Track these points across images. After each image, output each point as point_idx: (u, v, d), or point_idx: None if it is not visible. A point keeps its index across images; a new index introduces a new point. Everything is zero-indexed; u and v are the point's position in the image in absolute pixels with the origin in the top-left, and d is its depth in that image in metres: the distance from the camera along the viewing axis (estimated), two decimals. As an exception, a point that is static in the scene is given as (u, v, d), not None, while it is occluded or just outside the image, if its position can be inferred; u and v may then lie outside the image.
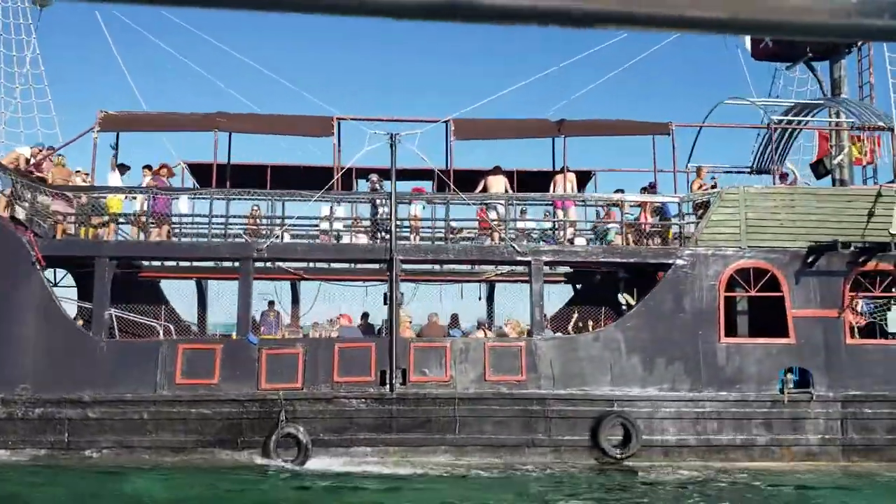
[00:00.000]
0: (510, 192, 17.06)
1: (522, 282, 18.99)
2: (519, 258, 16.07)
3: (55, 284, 18.49)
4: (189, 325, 18.85)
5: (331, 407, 14.98)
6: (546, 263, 16.25)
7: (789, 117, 18.66)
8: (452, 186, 16.25)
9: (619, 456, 15.04)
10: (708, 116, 19.25)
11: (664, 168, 17.37)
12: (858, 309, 16.63)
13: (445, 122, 16.48)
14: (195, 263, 17.87)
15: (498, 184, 16.97)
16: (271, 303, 18.41)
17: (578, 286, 19.40)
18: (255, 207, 17.24)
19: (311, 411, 14.94)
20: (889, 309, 16.39)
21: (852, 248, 15.72)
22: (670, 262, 16.07)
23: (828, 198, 16.54)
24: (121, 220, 16.31)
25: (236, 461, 14.77)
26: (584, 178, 19.35)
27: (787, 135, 20.47)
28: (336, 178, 15.86)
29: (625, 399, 15.26)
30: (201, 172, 18.31)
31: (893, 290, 16.32)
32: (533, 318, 15.91)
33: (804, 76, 22.31)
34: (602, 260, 16.64)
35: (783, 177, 17.90)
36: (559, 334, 16.42)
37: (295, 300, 19.25)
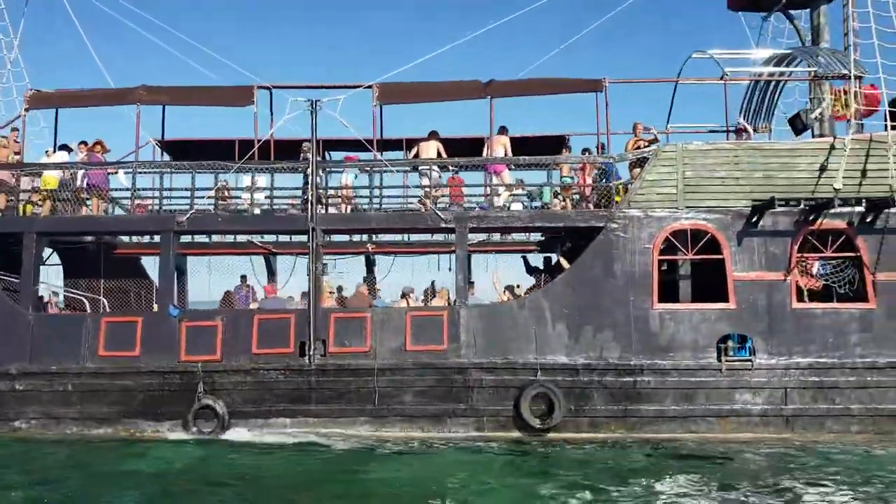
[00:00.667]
0: (444, 156, 16.53)
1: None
2: (443, 224, 15.59)
3: (43, 262, 19.04)
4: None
5: (249, 378, 14.92)
6: (471, 230, 15.71)
7: (742, 69, 17.35)
8: (376, 153, 15.86)
9: (539, 427, 14.52)
10: (681, 72, 18.03)
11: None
12: (814, 271, 15.50)
13: (369, 86, 16.03)
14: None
15: (429, 149, 16.46)
16: (244, 277, 18.44)
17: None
18: (224, 182, 17.21)
19: (230, 383, 14.91)
20: (843, 270, 15.21)
21: (791, 206, 14.70)
22: (601, 225, 15.33)
23: (774, 153, 15.44)
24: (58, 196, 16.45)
25: (157, 432, 14.93)
26: (559, 142, 18.60)
27: (770, 89, 19.22)
28: (255, 148, 15.64)
29: (549, 368, 14.69)
30: (177, 149, 18.50)
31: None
32: (457, 286, 15.45)
33: (781, 26, 20.80)
34: (530, 225, 16.00)
35: (739, 133, 16.76)
36: (485, 302, 15.89)
37: (271, 273, 19.22)
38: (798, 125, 18.80)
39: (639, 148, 15.97)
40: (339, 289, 16.78)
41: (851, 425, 14.59)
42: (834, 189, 14.60)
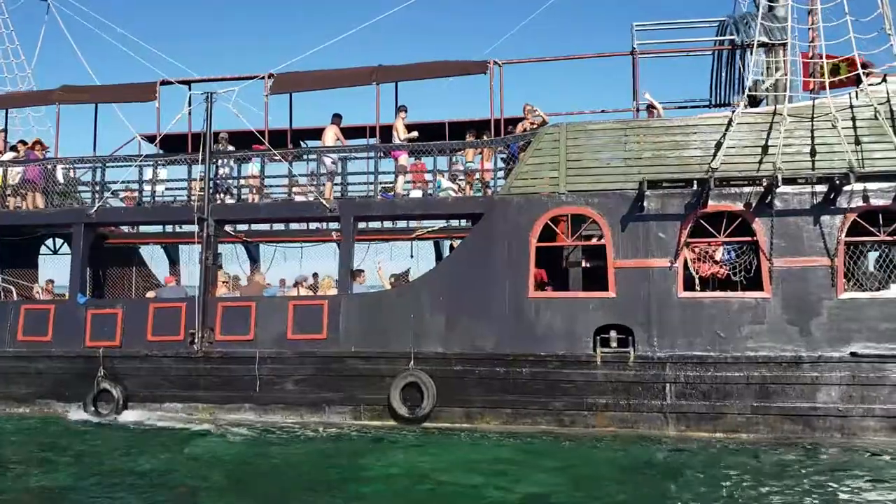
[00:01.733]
0: (342, 142, 16.49)
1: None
2: (329, 213, 15.59)
3: (55, 252, 20.67)
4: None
5: (144, 364, 15.61)
6: (357, 218, 15.61)
7: (682, 41, 16.01)
8: (266, 143, 16.02)
9: (408, 416, 14.37)
10: (638, 42, 16.88)
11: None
12: (718, 257, 14.32)
13: (262, 77, 16.16)
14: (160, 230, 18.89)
15: (327, 135, 16.46)
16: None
17: None
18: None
19: (128, 368, 15.66)
20: (743, 255, 13.93)
21: (680, 188, 13.69)
22: (482, 211, 14.86)
23: (665, 130, 14.38)
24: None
25: (65, 412, 15.93)
26: (466, 127, 18.12)
27: (728, 60, 17.83)
28: (157, 140, 16.18)
29: (422, 357, 14.47)
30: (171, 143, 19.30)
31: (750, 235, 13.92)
32: (340, 275, 15.44)
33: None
34: (414, 213, 15.71)
35: (650, 111, 15.64)
36: (367, 290, 15.78)
37: (254, 260, 19.94)
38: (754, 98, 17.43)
39: (525, 130, 15.29)
40: (236, 278, 17.14)
41: (739, 424, 13.51)
42: (710, 168, 13.45)
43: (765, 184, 13.39)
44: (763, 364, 13.34)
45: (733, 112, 14.04)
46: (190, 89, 16.65)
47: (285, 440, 13.91)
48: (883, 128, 13.42)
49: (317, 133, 17.37)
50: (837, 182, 13.17)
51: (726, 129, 13.78)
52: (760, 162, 13.81)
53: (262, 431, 14.45)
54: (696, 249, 14.10)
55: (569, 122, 14.85)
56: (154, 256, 21.04)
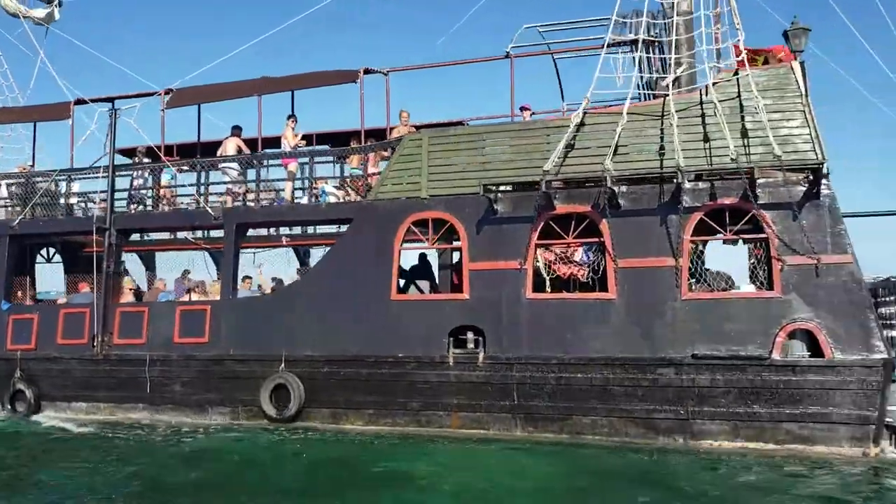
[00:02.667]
0: (245, 152, 17.15)
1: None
2: (214, 221, 16.28)
3: (48, 260, 22.25)
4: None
5: (54, 366, 16.68)
6: (240, 226, 16.23)
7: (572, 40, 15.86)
8: (163, 157, 16.86)
9: (276, 416, 14.88)
10: (512, 45, 16.95)
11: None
12: (577, 258, 14.20)
13: (160, 93, 17.02)
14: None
15: (228, 146, 17.16)
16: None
17: None
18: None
19: (40, 370, 16.77)
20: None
21: (529, 191, 13.71)
22: (352, 216, 15.25)
23: (517, 133, 14.40)
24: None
25: (-9, 411, 17.17)
26: (352, 136, 18.42)
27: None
28: (71, 154, 17.31)
29: (292, 360, 14.95)
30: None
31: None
32: (224, 281, 16.10)
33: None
34: (293, 219, 16.22)
35: (522, 110, 15.62)
36: (249, 294, 16.35)
37: (148, 268, 20.96)
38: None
39: (402, 137, 15.57)
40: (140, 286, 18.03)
41: (584, 427, 13.41)
42: (543, 172, 13.40)
43: (606, 184, 13.23)
44: (606, 366, 13.21)
45: (572, 114, 13.97)
46: (114, 105, 17.66)
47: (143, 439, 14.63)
48: (729, 124, 13.08)
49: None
50: (677, 181, 12.93)
51: (576, 130, 13.72)
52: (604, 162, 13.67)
53: (148, 429, 15.26)
54: (557, 251, 14.06)
55: (432, 129, 15.04)
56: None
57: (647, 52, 14.82)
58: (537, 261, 14.00)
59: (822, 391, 12.20)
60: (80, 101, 17.68)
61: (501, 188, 13.96)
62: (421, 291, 15.57)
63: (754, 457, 12.10)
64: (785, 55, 16.24)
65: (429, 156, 14.75)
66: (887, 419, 12.29)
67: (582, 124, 13.89)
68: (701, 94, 13.49)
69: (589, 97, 13.83)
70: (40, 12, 25.96)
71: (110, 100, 17.47)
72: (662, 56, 15.23)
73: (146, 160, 17.83)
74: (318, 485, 11.31)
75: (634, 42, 14.80)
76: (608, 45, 14.60)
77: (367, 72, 15.72)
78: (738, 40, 13.50)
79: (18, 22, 25.66)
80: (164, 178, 17.62)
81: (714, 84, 13.48)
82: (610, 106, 14.28)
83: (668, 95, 13.52)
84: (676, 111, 13.38)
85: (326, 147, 16.70)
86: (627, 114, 13.62)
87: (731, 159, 12.62)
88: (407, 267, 15.79)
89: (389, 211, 14.84)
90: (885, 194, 58.09)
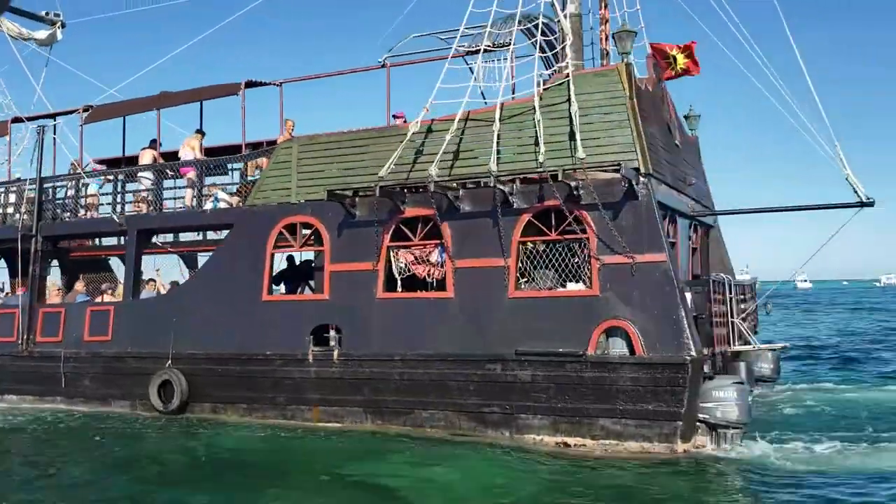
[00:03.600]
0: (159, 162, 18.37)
1: None
2: (119, 228, 17.53)
3: None
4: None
5: (-10, 362, 18.27)
6: (141, 231, 17.41)
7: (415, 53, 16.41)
8: (80, 167, 18.23)
9: (162, 409, 15.97)
10: (392, 53, 17.49)
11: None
12: (433, 259, 14.74)
13: (79, 111, 18.40)
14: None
15: (144, 157, 18.42)
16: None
17: None
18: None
19: (-22, 365, 18.38)
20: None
21: (370, 196, 14.36)
22: (232, 222, 16.23)
23: (374, 139, 15.05)
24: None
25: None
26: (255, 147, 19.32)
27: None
28: (8, 168, 18.92)
29: (178, 357, 16.00)
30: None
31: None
32: (125, 284, 17.34)
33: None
34: (186, 225, 17.28)
35: (395, 118, 16.20)
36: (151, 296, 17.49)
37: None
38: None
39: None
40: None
41: (425, 420, 13.98)
42: (378, 177, 14.02)
43: (430, 189, 13.72)
44: (442, 362, 13.74)
45: (410, 122, 14.55)
46: (56, 120, 19.20)
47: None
48: (556, 128, 13.46)
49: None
50: (497, 184, 13.34)
51: (424, 137, 14.32)
52: (452, 167, 14.22)
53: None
54: (416, 252, 14.67)
55: (302, 136, 15.87)
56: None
57: (497, 59, 15.18)
58: (397, 261, 14.61)
59: (634, 388, 12.43)
60: (17, 120, 19.27)
61: (360, 192, 14.57)
62: (293, 292, 16.40)
63: (572, 455, 12.46)
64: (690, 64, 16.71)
65: (298, 163, 15.59)
66: (703, 416, 12.42)
67: (430, 131, 14.45)
68: (534, 100, 13.85)
69: (428, 106, 14.34)
70: (42, 34, 27.91)
71: (44, 117, 18.99)
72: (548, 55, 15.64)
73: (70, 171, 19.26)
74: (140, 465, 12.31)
75: (503, 45, 15.17)
76: (468, 53, 15.15)
77: (248, 85, 16.68)
78: (565, 46, 13.80)
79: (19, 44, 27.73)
80: (92, 188, 19.00)
81: (546, 89, 13.84)
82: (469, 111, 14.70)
83: (502, 101, 13.95)
84: (512, 116, 13.83)
85: (214, 159, 17.65)
86: (469, 119, 14.14)
87: (539, 163, 13.00)
88: (295, 267, 16.69)
89: (263, 216, 15.74)
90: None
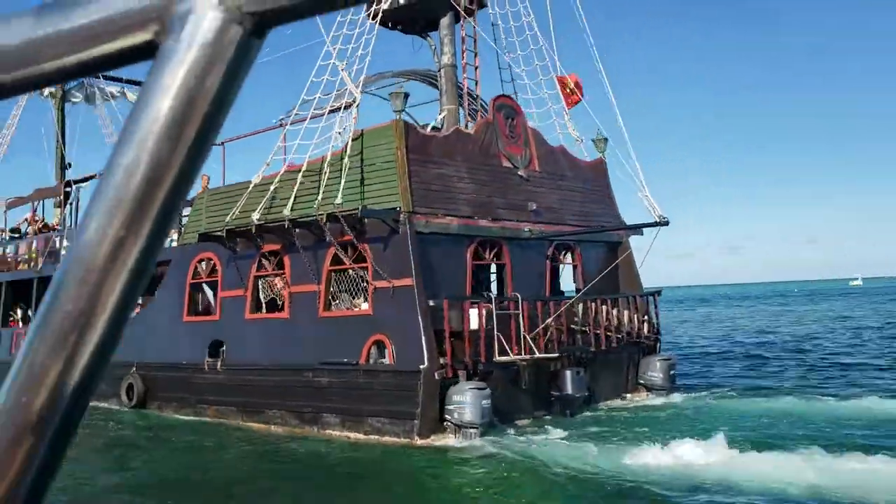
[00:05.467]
0: None
1: None
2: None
3: None
4: None
5: None
6: None
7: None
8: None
9: (127, 404, 20.58)
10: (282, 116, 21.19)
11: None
12: (279, 286, 17.89)
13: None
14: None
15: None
16: None
17: None
18: None
19: None
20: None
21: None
22: (170, 258, 20.52)
23: (244, 190, 18.45)
24: None
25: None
26: None
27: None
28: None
29: (138, 364, 20.52)
30: None
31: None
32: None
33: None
34: None
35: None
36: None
37: None
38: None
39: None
40: None
41: (272, 417, 17.28)
42: (225, 222, 17.49)
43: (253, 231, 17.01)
44: (278, 371, 16.96)
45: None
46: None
47: None
48: (356, 174, 16.24)
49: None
50: (314, 221, 16.32)
51: (279, 184, 17.65)
52: (292, 209, 17.41)
53: None
54: (283, 280, 18.07)
55: (210, 189, 19.80)
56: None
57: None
58: (264, 288, 18.10)
59: (388, 392, 14.96)
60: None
61: (226, 233, 18.22)
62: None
63: (358, 443, 15.20)
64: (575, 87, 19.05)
65: (207, 210, 19.54)
66: (447, 416, 14.62)
67: (282, 180, 17.75)
68: (343, 152, 16.68)
69: (269, 162, 17.67)
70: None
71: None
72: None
73: None
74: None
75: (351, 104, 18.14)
76: (330, 111, 18.25)
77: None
78: (354, 99, 16.51)
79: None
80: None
81: (354, 140, 16.62)
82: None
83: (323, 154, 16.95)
84: (332, 164, 16.78)
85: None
86: (307, 170, 17.27)
87: (336, 205, 15.82)
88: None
89: (184, 253, 19.88)
90: None
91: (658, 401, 18.83)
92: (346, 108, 17.65)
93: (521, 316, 16.25)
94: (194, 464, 14.53)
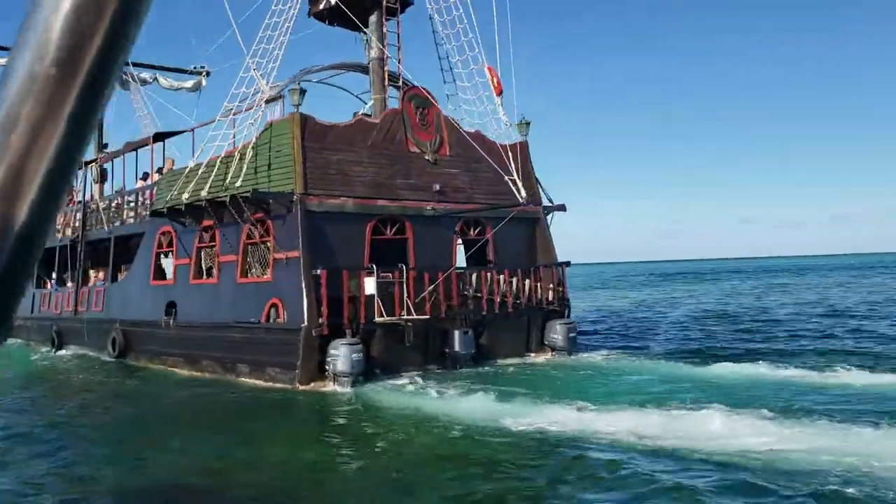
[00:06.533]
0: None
1: None
2: (108, 237, 26.02)
3: None
4: None
5: None
6: (118, 237, 25.68)
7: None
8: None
9: (112, 355, 24.14)
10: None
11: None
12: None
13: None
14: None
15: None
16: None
17: None
18: None
19: None
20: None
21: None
22: (143, 230, 23.82)
23: (196, 171, 21.43)
24: None
25: None
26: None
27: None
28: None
29: (121, 321, 24.04)
30: None
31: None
32: (106, 272, 25.83)
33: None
34: (137, 233, 25.15)
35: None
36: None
37: None
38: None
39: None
40: None
41: (206, 366, 20.39)
42: (167, 199, 20.49)
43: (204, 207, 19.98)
44: (209, 328, 20.01)
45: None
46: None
47: None
48: (260, 161, 18.96)
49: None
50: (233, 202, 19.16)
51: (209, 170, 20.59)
52: (225, 189, 20.29)
53: None
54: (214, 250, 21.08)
55: (171, 170, 22.89)
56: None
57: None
58: (206, 258, 21.16)
59: (279, 346, 17.76)
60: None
61: (174, 208, 21.31)
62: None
63: (259, 388, 18.11)
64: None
65: (168, 189, 22.65)
66: (328, 367, 17.27)
67: (213, 165, 20.63)
68: (254, 139, 19.37)
69: (204, 148, 20.53)
70: (189, 83, 38.17)
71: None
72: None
73: None
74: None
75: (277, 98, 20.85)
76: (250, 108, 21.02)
77: (157, 137, 24.06)
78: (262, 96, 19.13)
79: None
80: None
81: (264, 131, 19.29)
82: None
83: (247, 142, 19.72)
84: (248, 150, 19.55)
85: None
86: (237, 154, 20.12)
87: (235, 188, 18.56)
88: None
89: (150, 226, 23.12)
90: None
91: (556, 360, 20.99)
92: (268, 102, 20.37)
93: (405, 284, 18.67)
94: (142, 405, 17.56)
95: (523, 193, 19.33)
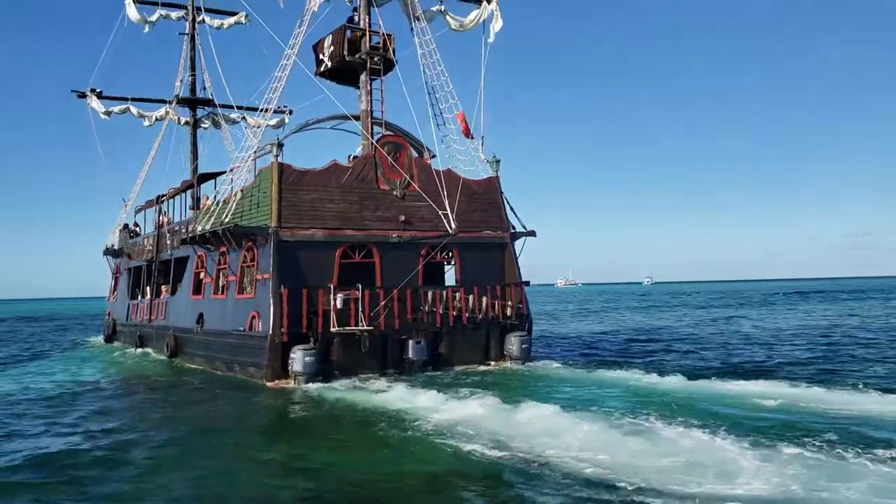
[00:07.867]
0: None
1: None
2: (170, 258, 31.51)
3: None
4: None
5: (138, 330, 34.04)
6: (177, 259, 31.07)
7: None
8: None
9: (167, 356, 29.49)
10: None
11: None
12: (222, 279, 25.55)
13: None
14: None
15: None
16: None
17: None
18: None
19: (136, 332, 34.28)
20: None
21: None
22: (187, 255, 29.02)
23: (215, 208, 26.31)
24: None
25: None
26: None
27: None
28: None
29: (175, 329, 29.35)
30: None
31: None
32: (171, 289, 31.30)
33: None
34: (184, 256, 30.40)
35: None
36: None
37: None
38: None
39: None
40: None
41: (217, 366, 25.10)
42: (191, 230, 25.38)
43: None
44: (216, 333, 24.73)
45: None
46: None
47: None
48: (252, 202, 23.47)
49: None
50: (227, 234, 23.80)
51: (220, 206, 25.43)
52: (223, 224, 24.98)
53: None
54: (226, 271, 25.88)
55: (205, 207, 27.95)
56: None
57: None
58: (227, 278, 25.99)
59: (254, 349, 22.14)
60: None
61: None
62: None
63: (247, 383, 22.57)
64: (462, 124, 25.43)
65: (197, 219, 27.70)
66: (290, 367, 21.42)
67: (222, 202, 25.38)
68: (252, 185, 23.92)
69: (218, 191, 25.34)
70: (273, 121, 44.05)
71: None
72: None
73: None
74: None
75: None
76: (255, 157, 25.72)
77: (202, 178, 29.23)
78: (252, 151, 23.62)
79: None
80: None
81: (257, 175, 23.80)
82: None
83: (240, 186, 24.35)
84: (244, 192, 24.14)
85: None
86: (238, 195, 24.84)
87: (223, 222, 23.13)
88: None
89: (193, 251, 28.24)
90: None
91: (510, 367, 24.16)
92: (258, 154, 24.90)
93: (360, 301, 22.50)
94: (169, 393, 22.35)
95: (453, 226, 22.78)
